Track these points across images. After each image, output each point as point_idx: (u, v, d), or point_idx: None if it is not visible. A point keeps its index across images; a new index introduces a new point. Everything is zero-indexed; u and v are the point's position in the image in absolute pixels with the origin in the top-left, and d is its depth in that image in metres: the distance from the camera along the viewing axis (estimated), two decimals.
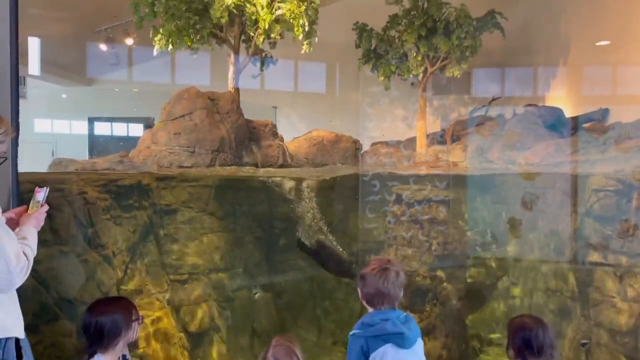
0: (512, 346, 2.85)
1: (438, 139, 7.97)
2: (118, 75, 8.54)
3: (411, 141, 7.70)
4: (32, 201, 2.55)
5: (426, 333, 4.93)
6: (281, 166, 6.45)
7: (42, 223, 2.54)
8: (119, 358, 2.77)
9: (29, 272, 2.31)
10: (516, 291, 5.65)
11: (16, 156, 2.94)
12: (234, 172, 5.62)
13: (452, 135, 7.80)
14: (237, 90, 6.54)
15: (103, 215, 4.04)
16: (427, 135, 7.78)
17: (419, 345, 2.69)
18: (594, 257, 4.63)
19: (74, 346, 3.52)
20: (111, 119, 8.59)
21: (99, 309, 2.76)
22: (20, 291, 2.45)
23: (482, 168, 6.55)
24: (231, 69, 6.56)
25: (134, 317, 2.82)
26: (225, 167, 5.63)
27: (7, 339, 2.32)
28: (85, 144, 8.46)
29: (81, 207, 3.84)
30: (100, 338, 2.67)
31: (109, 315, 2.71)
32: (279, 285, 5.87)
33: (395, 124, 8.44)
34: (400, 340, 2.57)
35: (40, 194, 2.56)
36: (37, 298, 3.46)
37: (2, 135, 2.36)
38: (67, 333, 3.56)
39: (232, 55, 6.51)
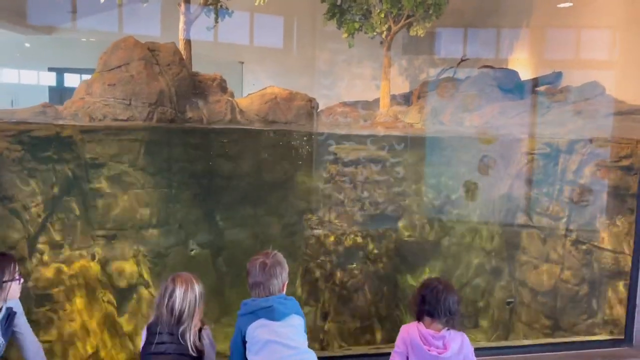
0: (414, 303, 2.89)
1: (398, 100, 7.85)
2: (73, 25, 8.23)
3: (377, 102, 7.57)
4: None
5: (354, 291, 4.99)
6: (229, 122, 6.30)
7: None
8: None
9: None
10: (451, 251, 5.68)
11: None
12: None
13: (419, 96, 7.67)
14: (187, 42, 6.31)
15: (13, 167, 3.92)
16: (394, 96, 7.66)
17: (296, 319, 2.75)
18: (522, 219, 4.63)
19: None
20: (74, 70, 8.35)
21: None
22: None
23: (434, 130, 6.47)
24: (182, 19, 6.30)
25: (6, 278, 2.70)
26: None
27: None
28: (46, 96, 8.28)
29: None
30: None
31: None
32: (219, 243, 5.83)
33: (355, 82, 8.27)
34: (270, 314, 2.66)
35: None
36: None
37: None
38: None
39: (183, 4, 6.25)
